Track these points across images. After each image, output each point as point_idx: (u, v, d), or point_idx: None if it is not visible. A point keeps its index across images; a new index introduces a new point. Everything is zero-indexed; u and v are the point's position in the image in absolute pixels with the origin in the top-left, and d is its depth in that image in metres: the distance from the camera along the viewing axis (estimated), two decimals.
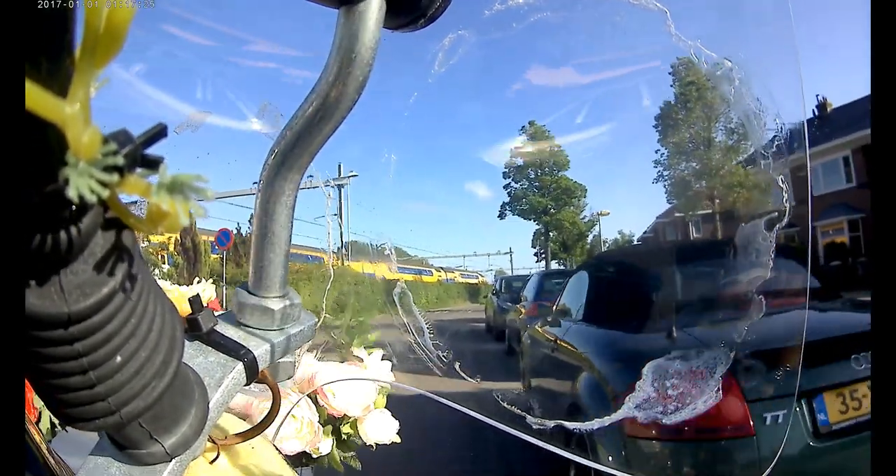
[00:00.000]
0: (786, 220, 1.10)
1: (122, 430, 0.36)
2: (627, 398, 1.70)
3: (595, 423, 1.27)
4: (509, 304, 11.56)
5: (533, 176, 33.25)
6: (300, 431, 0.81)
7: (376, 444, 0.97)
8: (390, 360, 1.04)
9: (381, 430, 0.97)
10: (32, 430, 0.48)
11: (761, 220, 1.19)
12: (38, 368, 0.27)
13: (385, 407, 1.00)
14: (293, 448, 0.82)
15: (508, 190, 34.00)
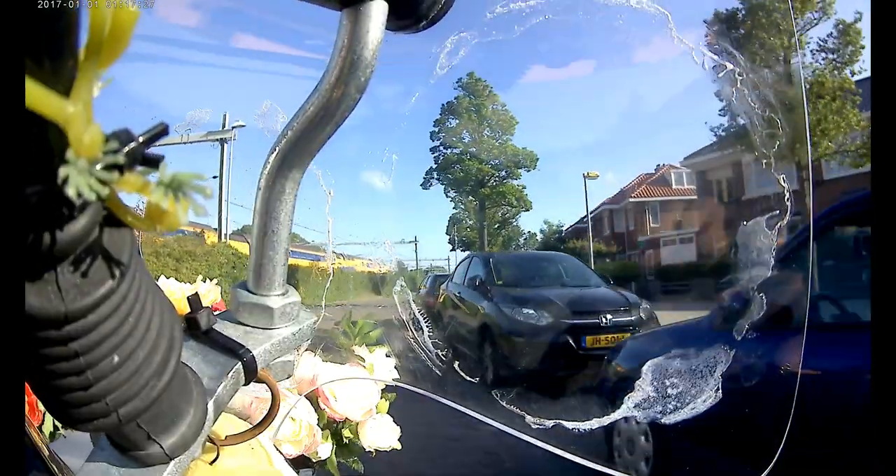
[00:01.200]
0: (787, 218, 1.10)
1: (120, 430, 0.36)
2: (627, 397, 1.70)
3: (594, 423, 1.27)
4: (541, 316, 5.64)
5: (469, 139, 27.44)
6: (298, 434, 0.80)
7: (377, 451, 0.96)
8: (394, 358, 1.03)
9: (382, 435, 0.95)
10: (33, 432, 0.48)
11: (763, 217, 1.19)
12: (35, 368, 0.27)
13: (388, 412, 0.99)
14: (291, 451, 0.81)
15: (436, 154, 27.94)
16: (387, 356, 1.01)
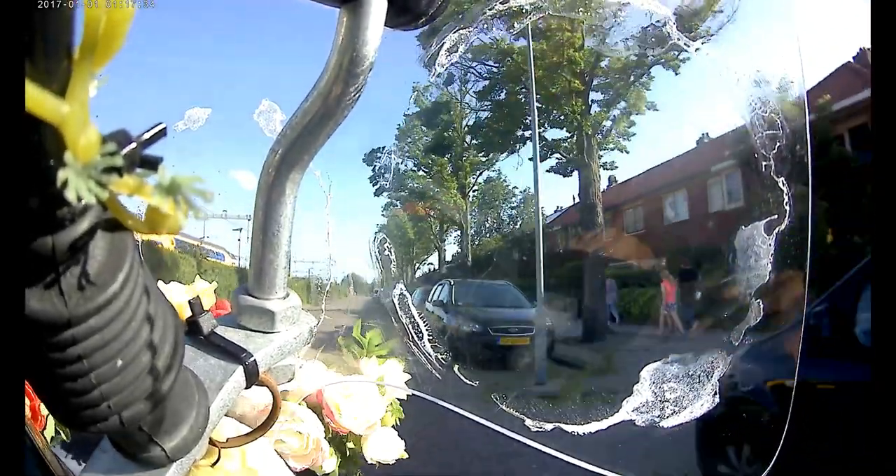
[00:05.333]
0: (786, 222, 1.10)
1: (123, 433, 0.36)
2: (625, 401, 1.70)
3: (592, 427, 1.27)
4: None
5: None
6: (305, 449, 0.79)
7: (379, 463, 0.95)
8: (409, 373, 1.02)
9: (386, 448, 0.94)
10: (35, 435, 0.48)
11: (760, 222, 1.19)
12: (39, 372, 0.27)
13: (393, 426, 0.97)
14: (296, 466, 0.80)
15: None
16: (402, 370, 1.00)
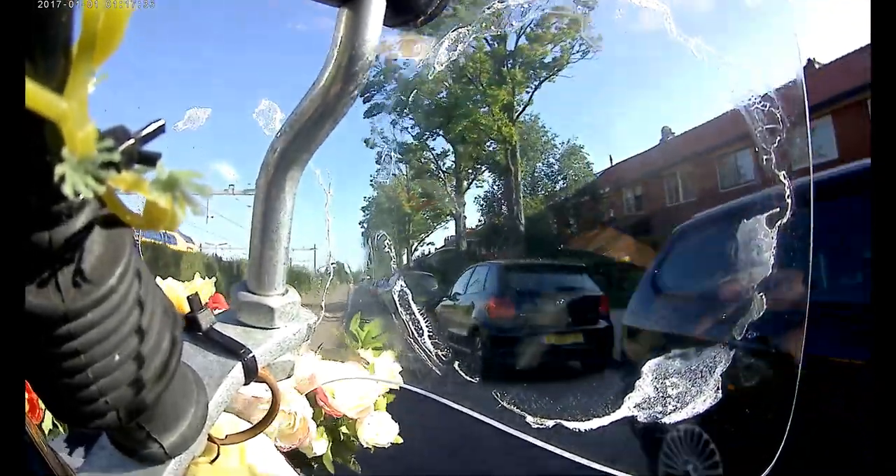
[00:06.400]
0: (787, 215, 1.09)
1: (120, 429, 0.36)
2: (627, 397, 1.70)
3: (594, 423, 1.27)
4: None
5: None
6: (292, 428, 0.80)
7: (374, 447, 0.96)
8: (400, 364, 1.02)
9: (380, 432, 0.95)
10: (33, 430, 0.48)
11: (762, 215, 1.19)
12: (36, 367, 0.27)
13: (386, 409, 0.99)
14: (283, 445, 0.81)
15: None
16: (393, 361, 1.01)
